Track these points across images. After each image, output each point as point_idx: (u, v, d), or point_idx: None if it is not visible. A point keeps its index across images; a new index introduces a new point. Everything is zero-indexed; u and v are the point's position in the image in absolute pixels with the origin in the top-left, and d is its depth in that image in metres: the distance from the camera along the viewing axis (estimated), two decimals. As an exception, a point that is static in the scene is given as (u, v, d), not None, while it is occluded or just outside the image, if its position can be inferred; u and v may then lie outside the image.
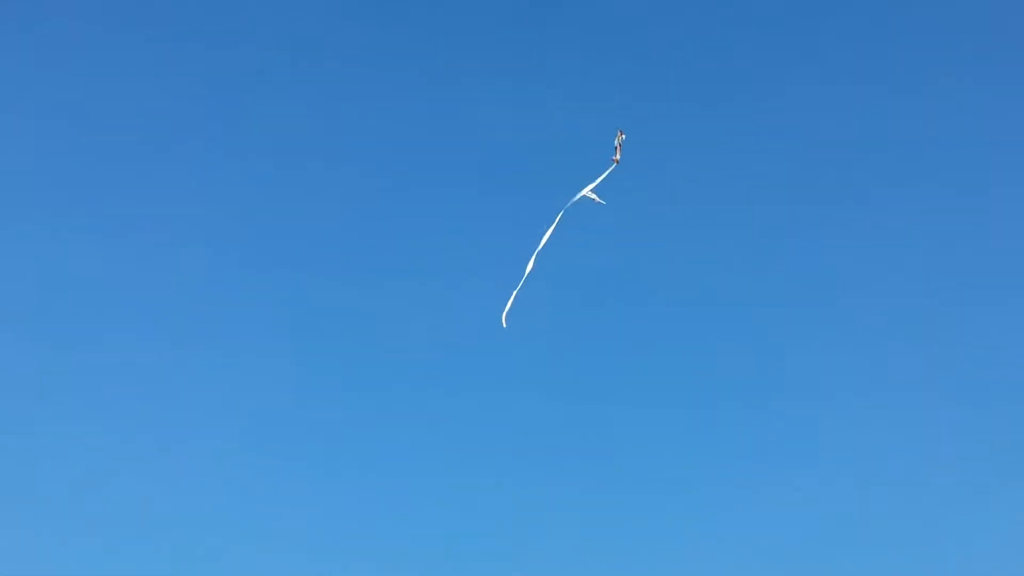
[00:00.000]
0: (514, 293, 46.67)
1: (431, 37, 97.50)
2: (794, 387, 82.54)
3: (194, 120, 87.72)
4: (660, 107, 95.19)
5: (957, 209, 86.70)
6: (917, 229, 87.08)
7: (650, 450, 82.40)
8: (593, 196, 47.36)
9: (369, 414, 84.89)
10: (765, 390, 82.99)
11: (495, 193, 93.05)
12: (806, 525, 75.38)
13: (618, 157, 49.55)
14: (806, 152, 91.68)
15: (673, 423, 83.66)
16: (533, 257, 46.63)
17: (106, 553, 69.76)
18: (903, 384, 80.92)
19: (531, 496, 79.47)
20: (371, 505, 78.93)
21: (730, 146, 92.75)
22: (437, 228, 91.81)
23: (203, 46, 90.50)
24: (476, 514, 78.59)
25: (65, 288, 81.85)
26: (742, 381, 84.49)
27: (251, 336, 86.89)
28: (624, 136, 49.77)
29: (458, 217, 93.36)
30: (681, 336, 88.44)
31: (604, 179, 48.43)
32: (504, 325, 48.29)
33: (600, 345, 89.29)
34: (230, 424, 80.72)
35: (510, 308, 47.89)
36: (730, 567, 74.05)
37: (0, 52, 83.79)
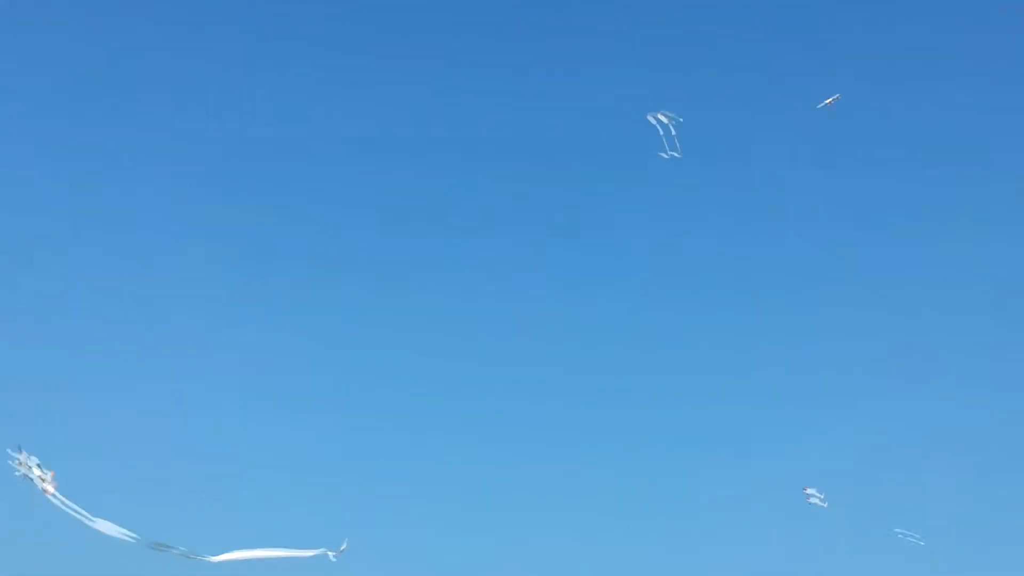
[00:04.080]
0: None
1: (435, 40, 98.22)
2: (793, 384, 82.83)
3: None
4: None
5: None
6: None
7: (649, 447, 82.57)
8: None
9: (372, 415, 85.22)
10: (762, 388, 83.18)
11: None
12: (805, 522, 75.36)
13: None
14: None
15: (672, 419, 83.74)
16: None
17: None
18: (899, 382, 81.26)
19: (530, 492, 79.54)
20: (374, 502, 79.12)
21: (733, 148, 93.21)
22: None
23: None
24: (475, 510, 78.66)
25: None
26: (739, 377, 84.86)
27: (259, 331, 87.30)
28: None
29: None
30: (679, 332, 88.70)
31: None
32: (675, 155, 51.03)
33: (599, 340, 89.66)
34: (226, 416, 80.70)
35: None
36: (728, 563, 73.90)
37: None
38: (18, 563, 65.68)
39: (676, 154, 53.99)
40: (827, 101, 56.08)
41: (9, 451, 39.22)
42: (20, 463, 39.41)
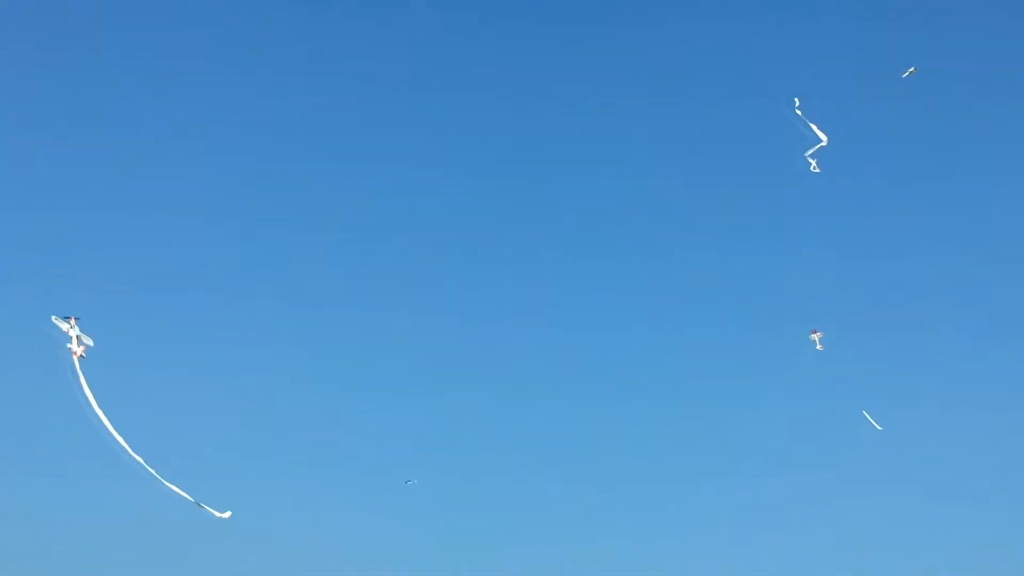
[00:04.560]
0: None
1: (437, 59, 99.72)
2: (793, 384, 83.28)
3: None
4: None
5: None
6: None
7: (648, 445, 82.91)
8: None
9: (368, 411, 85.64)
10: (763, 386, 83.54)
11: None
12: (803, 521, 75.55)
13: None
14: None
15: (672, 418, 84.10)
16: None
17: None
18: (904, 386, 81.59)
19: (531, 491, 79.87)
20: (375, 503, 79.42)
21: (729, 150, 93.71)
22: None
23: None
24: (475, 509, 78.94)
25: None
26: (741, 378, 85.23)
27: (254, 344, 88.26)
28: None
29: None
30: (681, 334, 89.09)
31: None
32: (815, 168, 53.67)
33: (600, 339, 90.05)
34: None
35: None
36: (727, 561, 74.08)
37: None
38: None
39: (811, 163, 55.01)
40: (909, 71, 58.34)
41: (54, 318, 40.93)
42: (67, 328, 41.11)
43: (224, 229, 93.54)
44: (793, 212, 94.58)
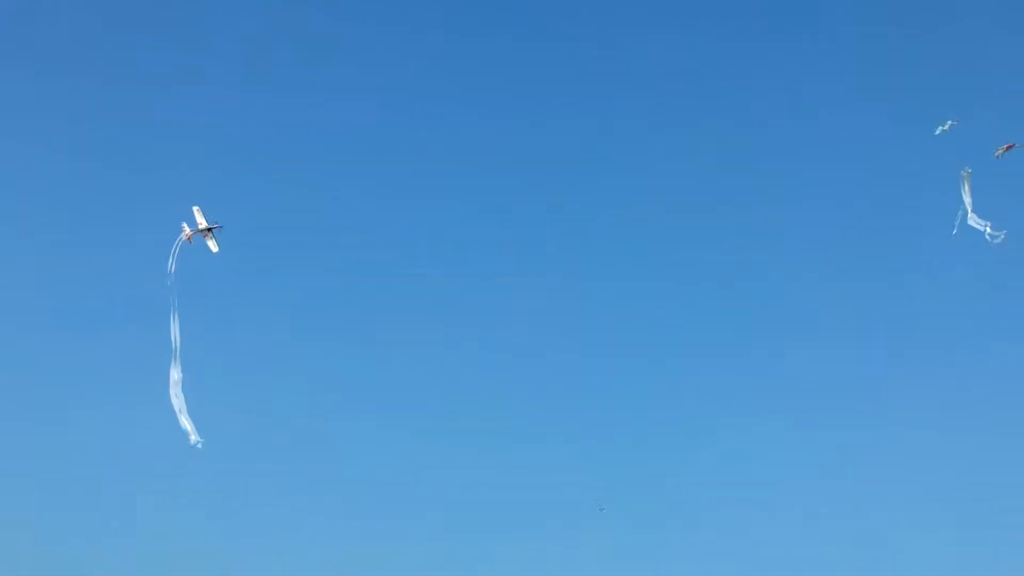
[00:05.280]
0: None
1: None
2: (795, 386, 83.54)
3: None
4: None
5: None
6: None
7: (649, 446, 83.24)
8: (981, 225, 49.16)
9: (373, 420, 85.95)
10: (765, 389, 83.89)
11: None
12: (802, 524, 75.88)
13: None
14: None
15: (673, 420, 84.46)
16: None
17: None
18: (900, 387, 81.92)
19: (532, 493, 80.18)
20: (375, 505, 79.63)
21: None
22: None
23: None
24: (475, 511, 79.23)
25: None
26: (743, 380, 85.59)
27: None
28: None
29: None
30: (682, 335, 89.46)
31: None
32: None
33: (600, 343, 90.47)
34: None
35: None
36: (726, 562, 74.40)
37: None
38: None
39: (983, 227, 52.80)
40: (948, 124, 55.62)
41: (197, 209, 41.50)
42: (200, 222, 41.85)
43: (233, 243, 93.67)
44: (792, 216, 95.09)
